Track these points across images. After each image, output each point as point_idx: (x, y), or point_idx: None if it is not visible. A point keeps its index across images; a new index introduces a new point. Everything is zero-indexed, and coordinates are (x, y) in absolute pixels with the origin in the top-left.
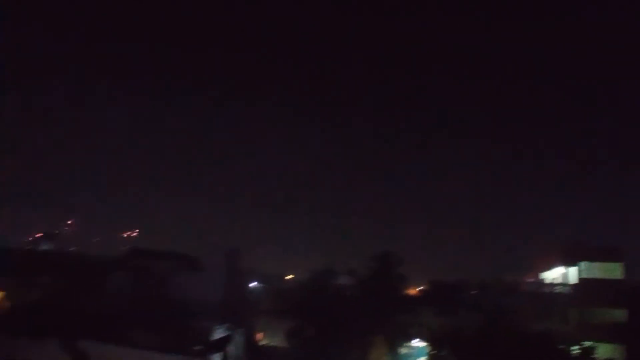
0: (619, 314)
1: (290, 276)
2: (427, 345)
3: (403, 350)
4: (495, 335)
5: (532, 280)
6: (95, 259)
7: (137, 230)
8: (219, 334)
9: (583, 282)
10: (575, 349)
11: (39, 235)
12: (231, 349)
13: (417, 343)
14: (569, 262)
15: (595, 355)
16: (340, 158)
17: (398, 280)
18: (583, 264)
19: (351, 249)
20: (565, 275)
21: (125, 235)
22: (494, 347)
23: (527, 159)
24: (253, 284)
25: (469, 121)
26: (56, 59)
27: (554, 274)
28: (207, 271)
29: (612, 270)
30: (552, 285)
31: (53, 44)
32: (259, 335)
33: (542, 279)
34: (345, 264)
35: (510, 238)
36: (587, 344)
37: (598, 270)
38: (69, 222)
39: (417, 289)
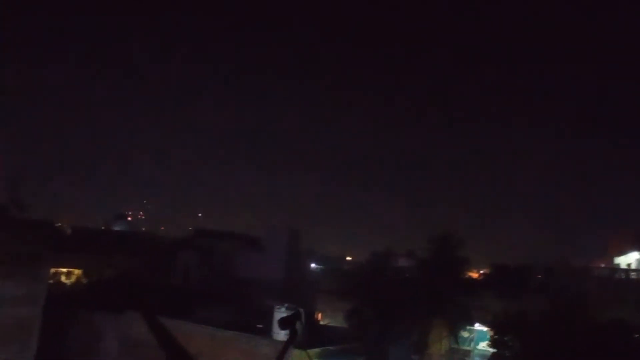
0: None
1: (349, 258)
2: (489, 330)
3: (464, 334)
4: (562, 321)
5: (604, 265)
6: (164, 239)
7: (200, 214)
8: (280, 313)
9: None
10: None
11: (113, 216)
12: (299, 326)
13: (478, 327)
14: None
15: None
16: (403, 140)
17: (459, 262)
18: None
19: (411, 231)
20: None
21: (190, 217)
22: (561, 334)
23: (598, 141)
24: (313, 265)
25: (540, 107)
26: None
27: (629, 259)
28: (268, 251)
29: None
30: (626, 270)
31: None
32: (318, 316)
33: (616, 265)
34: (405, 246)
35: (580, 221)
36: None
37: None
38: (144, 203)
39: (480, 272)
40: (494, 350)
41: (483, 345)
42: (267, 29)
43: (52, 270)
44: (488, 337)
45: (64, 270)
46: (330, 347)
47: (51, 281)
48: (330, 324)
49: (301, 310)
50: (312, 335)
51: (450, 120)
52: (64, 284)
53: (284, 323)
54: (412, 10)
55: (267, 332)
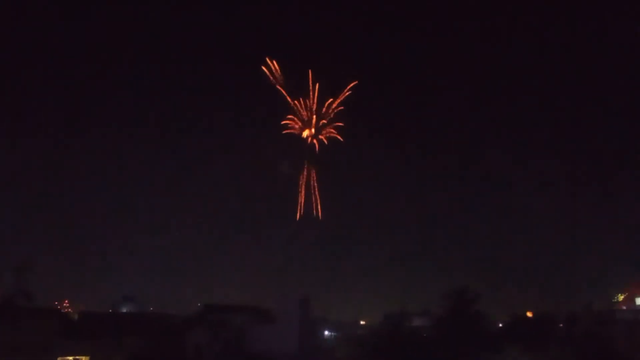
0: None
1: (363, 322)
2: None
3: None
4: None
5: (625, 307)
6: (173, 318)
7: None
8: None
9: None
10: None
11: (121, 297)
12: None
13: None
14: None
15: None
16: (410, 197)
17: (477, 316)
18: None
19: (424, 288)
20: None
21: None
22: None
23: (608, 181)
24: (326, 332)
25: (544, 144)
26: None
27: None
28: (280, 322)
29: None
30: None
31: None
32: None
33: (638, 306)
34: (419, 303)
35: (595, 264)
36: None
37: None
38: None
39: (499, 325)
40: None
41: None
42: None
43: (59, 359)
44: None
45: (70, 358)
46: None
47: None
48: None
49: None
50: None
51: (456, 175)
52: None
53: None
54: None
55: None
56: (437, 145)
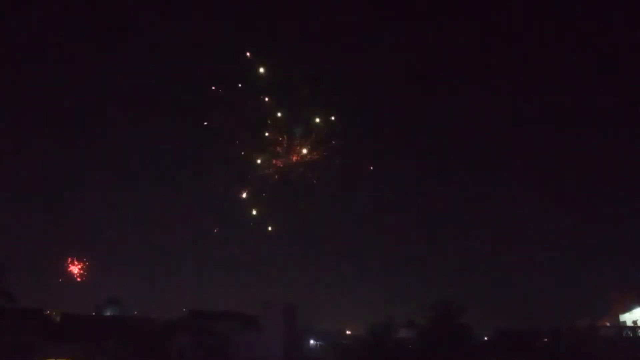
0: None
1: (349, 332)
2: None
3: None
4: None
5: (609, 324)
6: (158, 323)
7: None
8: None
9: None
10: None
11: (105, 300)
12: None
13: None
14: None
15: None
16: (397, 204)
17: (462, 329)
18: None
19: (410, 299)
20: None
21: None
22: None
23: (599, 196)
24: (311, 342)
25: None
26: None
27: (635, 316)
28: (265, 330)
29: None
30: (633, 328)
31: None
32: None
33: (622, 322)
34: (405, 314)
35: (581, 280)
36: None
37: None
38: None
39: (484, 338)
40: None
41: None
42: None
43: None
44: None
45: None
46: None
47: None
48: None
49: None
50: None
51: (447, 183)
52: None
53: None
54: None
55: None
56: (426, 156)
